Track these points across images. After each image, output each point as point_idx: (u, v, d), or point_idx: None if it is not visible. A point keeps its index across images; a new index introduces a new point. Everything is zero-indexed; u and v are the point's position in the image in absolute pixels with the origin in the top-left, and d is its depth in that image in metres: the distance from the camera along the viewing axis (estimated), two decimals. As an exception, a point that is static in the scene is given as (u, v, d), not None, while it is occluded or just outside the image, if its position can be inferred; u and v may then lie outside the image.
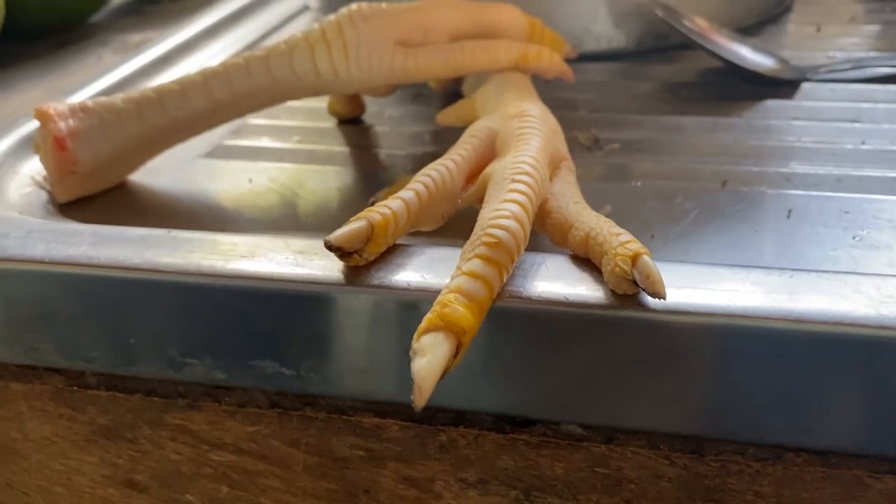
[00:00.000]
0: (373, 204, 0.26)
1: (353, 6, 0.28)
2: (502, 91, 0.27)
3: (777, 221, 0.25)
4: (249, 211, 0.27)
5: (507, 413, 0.20)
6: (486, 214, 0.20)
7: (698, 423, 0.19)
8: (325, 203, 0.28)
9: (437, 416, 0.21)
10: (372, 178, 0.29)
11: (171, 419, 0.23)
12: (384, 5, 0.28)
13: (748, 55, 0.35)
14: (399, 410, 0.21)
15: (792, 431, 0.19)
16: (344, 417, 0.22)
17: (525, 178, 0.21)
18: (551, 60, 0.29)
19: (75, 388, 0.23)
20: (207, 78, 0.27)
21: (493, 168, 0.22)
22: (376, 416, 0.21)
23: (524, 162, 0.21)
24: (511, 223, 0.19)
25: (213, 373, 0.22)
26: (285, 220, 0.27)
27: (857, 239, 0.24)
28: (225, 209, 0.28)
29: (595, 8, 0.36)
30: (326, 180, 0.29)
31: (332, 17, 0.28)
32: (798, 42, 0.39)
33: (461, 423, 0.21)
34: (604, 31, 0.37)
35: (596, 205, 0.25)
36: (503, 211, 0.19)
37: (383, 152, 0.31)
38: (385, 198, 0.26)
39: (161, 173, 0.30)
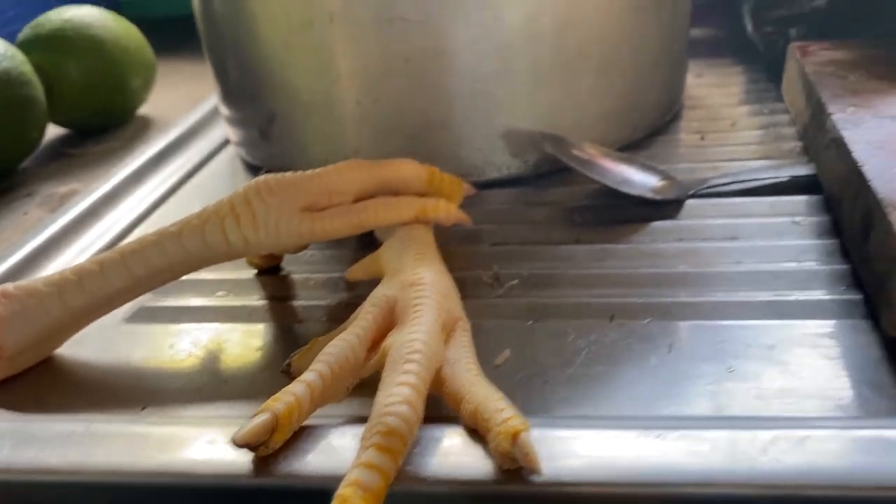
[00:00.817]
0: (288, 366, 0.28)
1: (260, 179, 0.30)
2: (404, 248, 0.29)
3: (660, 356, 0.27)
4: (172, 380, 0.29)
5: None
6: (380, 399, 0.21)
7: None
8: (246, 365, 0.29)
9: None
10: (290, 333, 0.31)
11: None
12: (288, 176, 0.30)
13: (635, 176, 0.38)
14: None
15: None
16: None
17: (416, 356, 0.23)
18: (448, 211, 0.31)
19: (5, 583, 0.24)
20: (125, 256, 0.29)
21: (391, 342, 0.24)
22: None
23: (415, 339, 0.23)
24: (403, 408, 0.21)
25: (138, 561, 0.23)
26: (208, 387, 0.28)
27: (731, 371, 0.26)
28: (148, 379, 0.29)
29: (493, 141, 0.39)
30: (246, 339, 0.31)
31: (240, 189, 0.30)
32: (685, 153, 0.42)
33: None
34: (503, 161, 0.40)
35: (496, 348, 0.28)
36: (395, 396, 0.21)
37: (300, 304, 0.32)
38: (298, 361, 0.27)
39: (85, 343, 0.31)
